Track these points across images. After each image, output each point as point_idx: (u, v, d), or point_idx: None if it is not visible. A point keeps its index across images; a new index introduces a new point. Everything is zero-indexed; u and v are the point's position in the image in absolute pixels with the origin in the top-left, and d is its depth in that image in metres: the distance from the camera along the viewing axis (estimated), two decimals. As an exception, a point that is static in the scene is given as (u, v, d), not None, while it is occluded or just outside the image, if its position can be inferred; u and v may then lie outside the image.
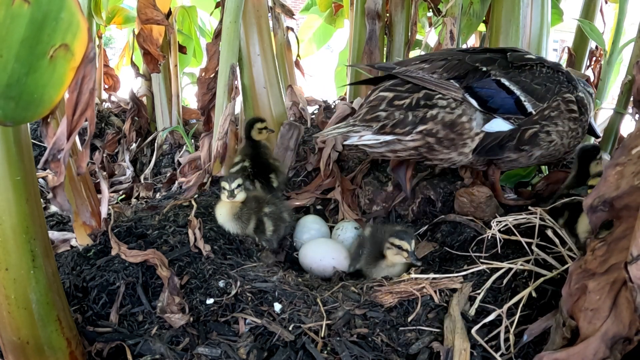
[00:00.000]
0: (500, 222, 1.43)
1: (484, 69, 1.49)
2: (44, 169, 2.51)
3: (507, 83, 1.47)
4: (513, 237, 1.39)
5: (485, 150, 1.52)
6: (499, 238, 1.39)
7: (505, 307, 1.17)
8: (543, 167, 2.10)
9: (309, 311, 1.30)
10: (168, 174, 2.72)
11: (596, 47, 2.75)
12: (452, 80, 1.47)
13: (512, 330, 1.13)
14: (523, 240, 1.36)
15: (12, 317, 1.02)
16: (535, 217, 1.40)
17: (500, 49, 1.64)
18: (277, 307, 1.32)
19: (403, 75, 1.51)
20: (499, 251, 1.41)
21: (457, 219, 1.73)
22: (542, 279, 1.21)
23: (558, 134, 1.56)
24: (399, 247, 1.47)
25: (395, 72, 1.52)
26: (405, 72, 1.50)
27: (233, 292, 1.36)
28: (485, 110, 1.48)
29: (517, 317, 1.15)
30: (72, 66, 0.81)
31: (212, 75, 2.28)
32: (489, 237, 1.44)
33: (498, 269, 1.32)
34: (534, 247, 1.33)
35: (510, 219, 1.42)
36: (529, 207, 1.48)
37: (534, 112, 1.50)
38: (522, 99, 1.48)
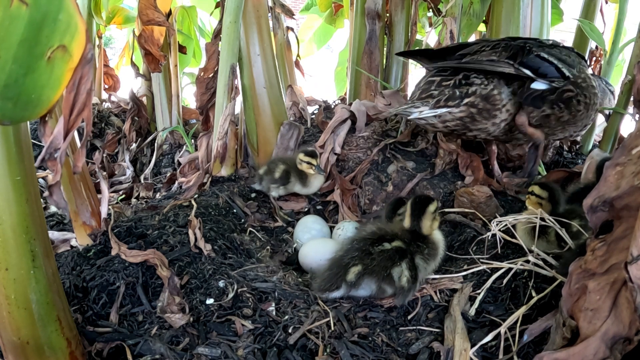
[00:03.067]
0: (500, 222, 1.43)
1: (527, 47, 1.77)
2: (41, 168, 2.51)
3: (546, 56, 1.76)
4: (514, 240, 1.38)
5: (531, 99, 1.76)
6: (499, 238, 1.39)
7: (503, 328, 1.16)
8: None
9: (309, 311, 1.30)
10: (168, 174, 2.72)
11: (596, 47, 2.75)
12: (506, 60, 1.76)
13: (517, 329, 1.13)
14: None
15: (12, 317, 1.02)
16: (536, 217, 1.40)
17: (526, 38, 1.89)
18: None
19: (469, 65, 1.77)
20: (499, 251, 1.41)
21: (457, 219, 1.73)
22: (552, 286, 1.19)
23: (585, 106, 1.79)
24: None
25: (464, 64, 1.76)
26: (471, 60, 1.78)
27: (232, 293, 1.36)
28: (537, 76, 1.75)
29: (518, 317, 1.15)
30: (70, 67, 0.81)
31: (210, 75, 2.28)
32: (489, 238, 1.44)
33: (498, 269, 1.32)
34: (534, 247, 1.33)
35: (510, 219, 1.43)
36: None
37: (570, 75, 1.76)
38: (560, 66, 1.76)
